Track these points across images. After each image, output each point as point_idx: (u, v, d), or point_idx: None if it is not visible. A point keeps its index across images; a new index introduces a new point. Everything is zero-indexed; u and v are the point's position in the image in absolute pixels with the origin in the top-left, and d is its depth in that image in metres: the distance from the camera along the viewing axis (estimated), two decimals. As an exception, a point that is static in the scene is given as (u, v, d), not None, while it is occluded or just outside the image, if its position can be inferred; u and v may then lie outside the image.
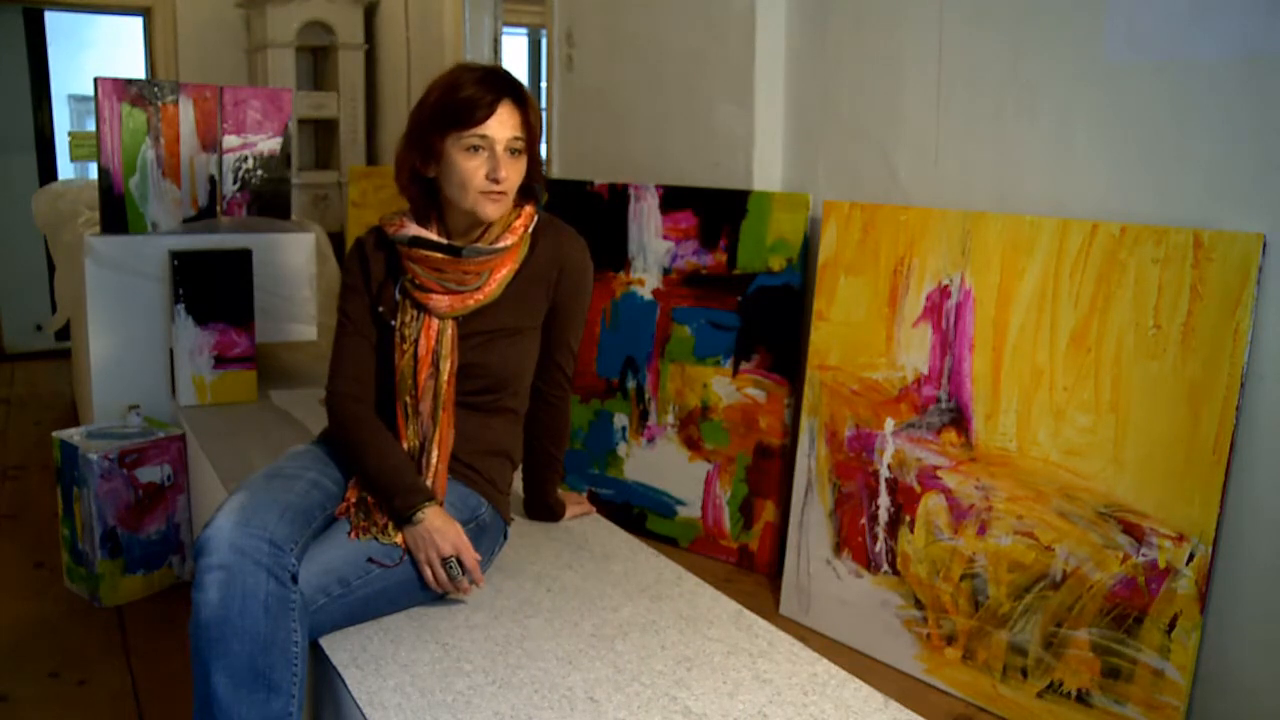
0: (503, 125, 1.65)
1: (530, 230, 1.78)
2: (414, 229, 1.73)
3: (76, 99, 8.85)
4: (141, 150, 3.07)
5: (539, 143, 1.74)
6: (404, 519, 1.62)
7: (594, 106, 3.39)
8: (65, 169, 6.35)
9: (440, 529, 1.61)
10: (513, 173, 1.68)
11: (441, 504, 1.67)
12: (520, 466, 1.96)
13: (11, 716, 2.14)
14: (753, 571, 2.78)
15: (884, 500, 2.36)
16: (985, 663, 2.15)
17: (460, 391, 1.75)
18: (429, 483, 1.69)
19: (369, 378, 1.78)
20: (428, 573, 1.62)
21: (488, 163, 1.66)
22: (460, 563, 1.62)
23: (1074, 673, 2.01)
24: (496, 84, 1.66)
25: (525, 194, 1.78)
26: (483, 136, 1.65)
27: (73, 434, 2.72)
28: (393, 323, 1.76)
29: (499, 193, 1.68)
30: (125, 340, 3.03)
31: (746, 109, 2.81)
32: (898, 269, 2.35)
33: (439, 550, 1.60)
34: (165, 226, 3.13)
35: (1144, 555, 1.92)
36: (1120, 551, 1.95)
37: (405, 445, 1.72)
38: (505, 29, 5.21)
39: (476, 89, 1.64)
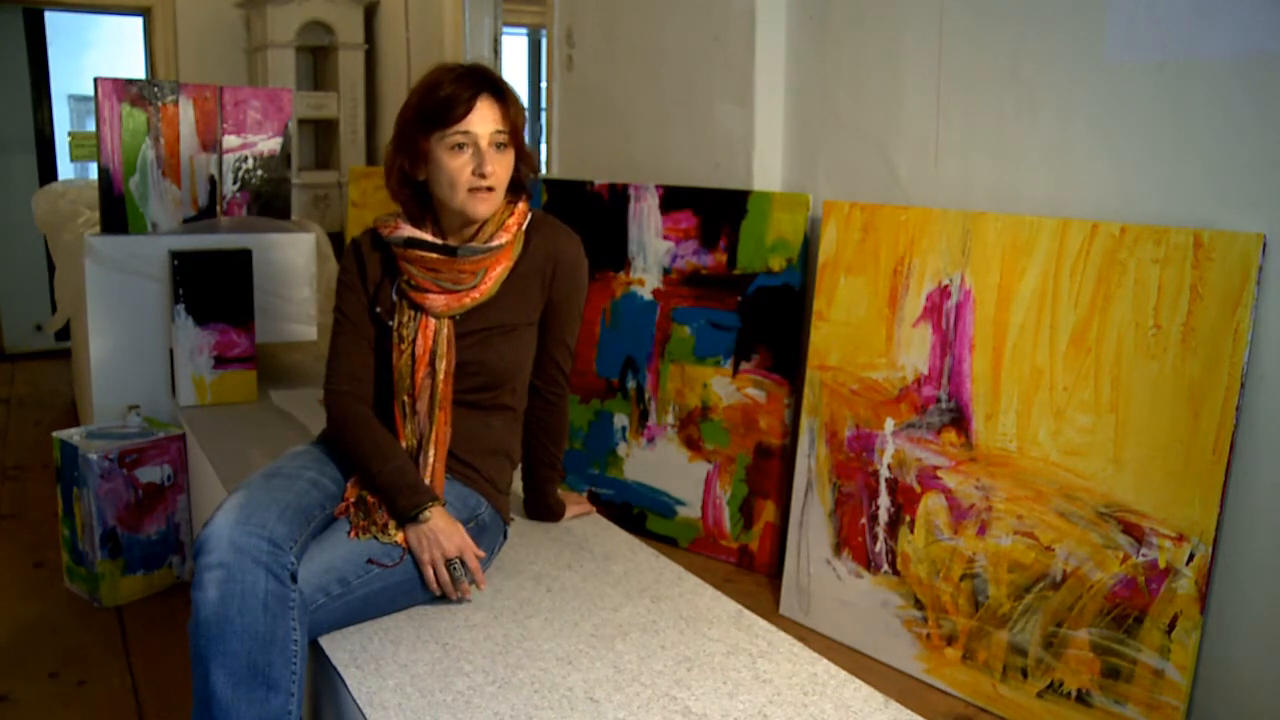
0: (484, 120, 1.66)
1: (524, 227, 1.78)
2: (409, 230, 1.74)
3: (76, 99, 8.85)
4: (141, 150, 3.07)
5: (523, 136, 1.75)
6: (408, 518, 1.62)
7: (594, 106, 3.39)
8: (65, 169, 6.35)
9: (445, 530, 1.61)
10: (499, 168, 1.69)
11: (443, 504, 1.68)
12: (520, 466, 1.96)
13: (11, 716, 2.14)
14: (753, 571, 2.78)
15: (884, 500, 2.36)
16: (985, 663, 2.15)
17: (458, 389, 1.75)
18: (427, 481, 1.69)
19: (367, 376, 1.78)
20: (429, 573, 1.62)
21: (473, 159, 1.67)
22: (463, 564, 1.62)
23: (1074, 673, 2.01)
24: (474, 80, 1.67)
25: (517, 191, 1.78)
26: (465, 133, 1.65)
27: (73, 434, 2.72)
28: (390, 323, 1.76)
29: (487, 188, 1.68)
30: (125, 340, 3.03)
31: (746, 109, 2.81)
32: (898, 269, 2.35)
33: (443, 551, 1.60)
34: (165, 226, 3.13)
35: (1144, 555, 1.92)
36: (1120, 551, 1.95)
37: (403, 444, 1.73)
38: (505, 29, 5.21)
39: (454, 87, 1.65)
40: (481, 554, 1.65)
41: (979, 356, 2.19)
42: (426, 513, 1.62)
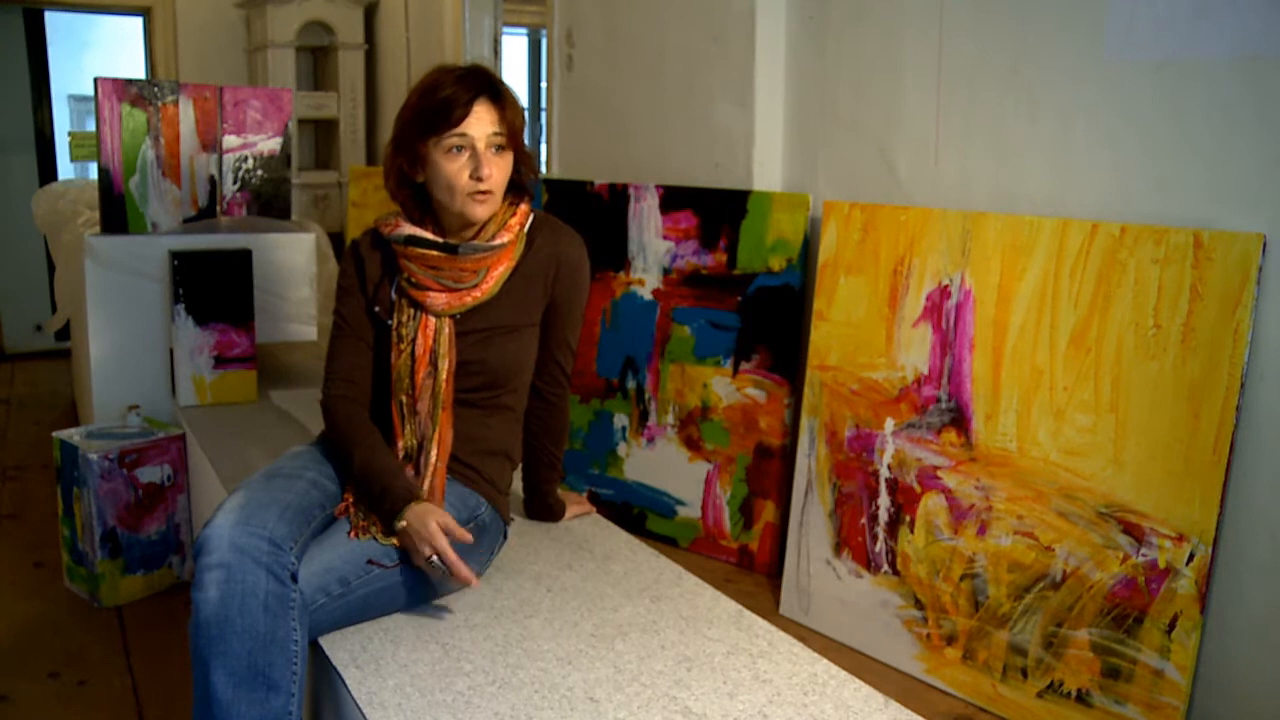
0: (480, 123, 1.66)
1: (526, 228, 1.78)
2: (409, 228, 1.74)
3: (76, 99, 8.86)
4: (141, 150, 3.07)
5: (523, 138, 1.75)
6: (392, 527, 1.61)
7: (594, 106, 3.39)
8: (65, 169, 6.35)
9: (418, 531, 1.57)
10: (497, 170, 1.69)
11: (435, 502, 1.66)
12: (520, 466, 1.96)
13: (11, 716, 2.14)
14: (753, 571, 2.78)
15: (884, 500, 2.36)
16: (985, 663, 2.15)
17: (459, 389, 1.75)
18: (427, 482, 1.68)
19: (364, 379, 1.78)
20: (429, 571, 1.61)
21: (471, 162, 1.67)
22: (442, 559, 1.57)
23: (1074, 673, 2.01)
24: (472, 83, 1.66)
25: (518, 192, 1.78)
26: (462, 135, 1.65)
27: (73, 434, 2.72)
28: (389, 322, 1.76)
29: (485, 192, 1.68)
30: (125, 340, 3.03)
31: (746, 109, 2.81)
32: (898, 269, 2.35)
33: (421, 554, 1.58)
34: (165, 226, 3.13)
35: (1144, 555, 1.92)
36: (1120, 551, 1.95)
37: (402, 445, 1.72)
38: (505, 29, 5.21)
39: (452, 90, 1.65)
40: (468, 538, 1.60)
41: (979, 356, 2.19)
42: (401, 521, 1.59)
